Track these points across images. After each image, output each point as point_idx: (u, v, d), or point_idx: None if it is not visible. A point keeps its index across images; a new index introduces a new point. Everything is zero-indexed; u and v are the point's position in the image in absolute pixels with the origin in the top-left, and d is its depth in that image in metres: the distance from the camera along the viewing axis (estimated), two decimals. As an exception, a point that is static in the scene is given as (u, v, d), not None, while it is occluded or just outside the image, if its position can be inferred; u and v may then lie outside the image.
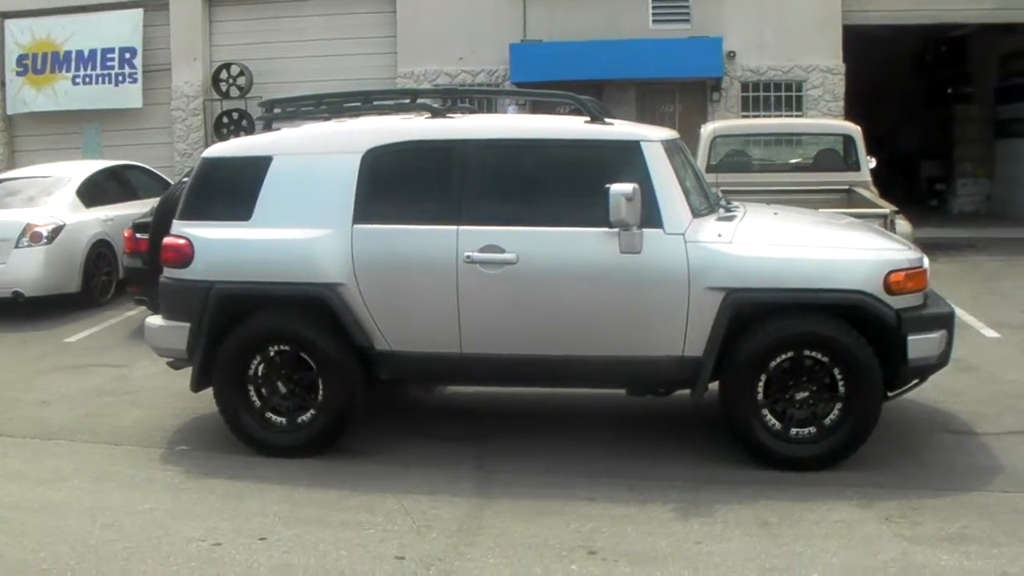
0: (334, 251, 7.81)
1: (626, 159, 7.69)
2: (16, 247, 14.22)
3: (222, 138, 23.54)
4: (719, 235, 7.58)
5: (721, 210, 8.24)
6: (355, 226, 7.82)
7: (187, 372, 8.37)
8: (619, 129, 8.04)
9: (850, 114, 20.85)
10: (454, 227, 7.69)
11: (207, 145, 23.87)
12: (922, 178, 27.64)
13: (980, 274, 16.45)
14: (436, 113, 8.29)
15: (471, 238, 7.65)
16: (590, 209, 7.50)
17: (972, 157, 26.27)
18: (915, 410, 8.85)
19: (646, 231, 7.45)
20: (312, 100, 8.89)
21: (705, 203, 8.13)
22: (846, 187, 13.83)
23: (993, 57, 25.84)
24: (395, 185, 7.93)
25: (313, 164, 8.06)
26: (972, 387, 9.63)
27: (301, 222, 7.92)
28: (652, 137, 7.89)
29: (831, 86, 22.37)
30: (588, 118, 8.03)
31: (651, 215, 7.48)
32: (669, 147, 8.00)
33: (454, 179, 7.80)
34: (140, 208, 15.15)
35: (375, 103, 8.93)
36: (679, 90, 23.00)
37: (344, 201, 7.88)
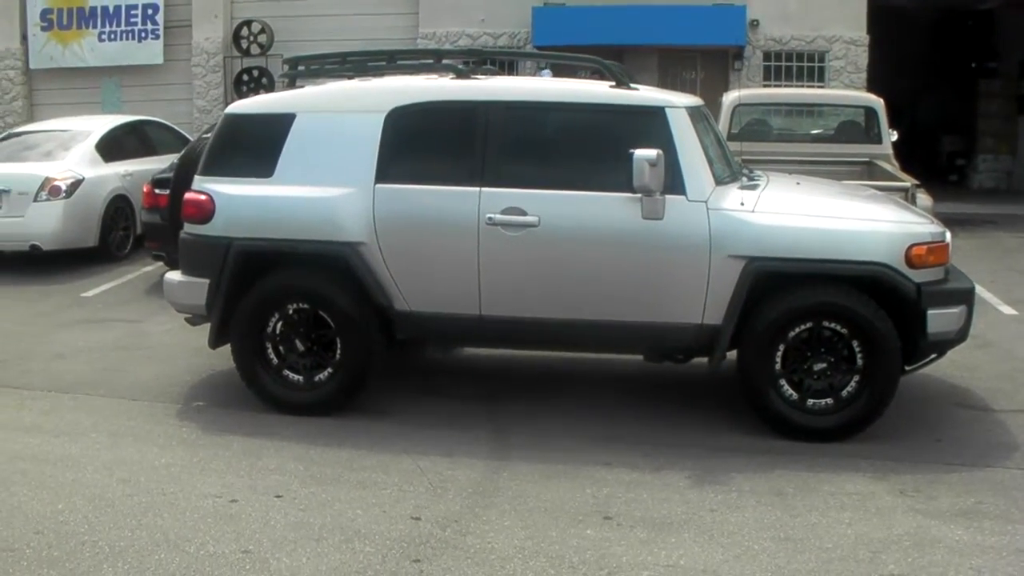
0: (355, 210, 7.80)
1: (650, 125, 7.65)
2: (35, 200, 14.20)
3: (241, 95, 23.52)
4: (741, 203, 7.55)
5: (744, 179, 8.20)
6: (377, 185, 7.81)
7: (204, 328, 8.39)
8: (644, 94, 7.99)
9: (872, 86, 20.72)
10: (476, 188, 7.68)
11: (227, 102, 23.93)
12: (943, 152, 27.46)
13: (999, 251, 16.37)
14: (461, 74, 8.26)
15: (493, 200, 7.63)
16: (613, 174, 7.48)
17: (994, 132, 26.08)
18: (931, 385, 8.83)
19: (668, 197, 7.43)
20: (337, 58, 8.86)
21: (728, 171, 8.10)
22: (867, 159, 13.75)
23: (1019, 32, 25.60)
24: (418, 145, 7.91)
25: (336, 122, 8.04)
26: (989, 363, 9.60)
27: (323, 180, 7.91)
28: (677, 103, 7.86)
29: (854, 57, 22.19)
30: (613, 83, 7.99)
31: (674, 182, 7.46)
32: (694, 114, 7.97)
33: (477, 140, 7.77)
34: (159, 164, 15.08)
35: (399, 63, 8.90)
36: (701, 58, 22.85)
37: (367, 160, 7.86)
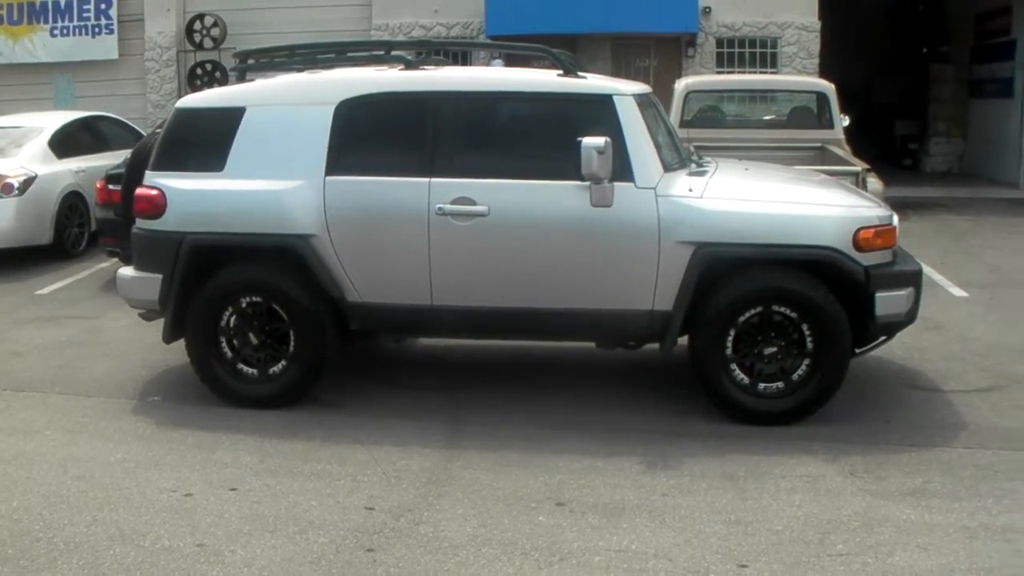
0: (306, 202, 7.81)
1: (598, 113, 7.70)
2: (-13, 198, 14.12)
3: (195, 89, 23.24)
4: (690, 190, 7.61)
5: (693, 165, 8.25)
6: (327, 177, 7.82)
7: (159, 324, 8.37)
8: (591, 83, 8.03)
9: (826, 71, 20.84)
10: (426, 179, 7.70)
11: (180, 97, 23.80)
12: (896, 136, 27.68)
13: (950, 233, 16.54)
14: (409, 65, 8.27)
15: (443, 190, 7.66)
16: (562, 162, 7.50)
17: (946, 116, 26.33)
18: (882, 367, 8.95)
19: (617, 185, 7.47)
20: (285, 51, 8.85)
21: (677, 158, 8.15)
22: (819, 145, 13.87)
23: (969, 16, 25.84)
24: (368, 137, 7.93)
25: (286, 115, 8.04)
26: (939, 345, 9.73)
27: (274, 173, 7.92)
28: (624, 91, 7.91)
29: (806, 43, 22.30)
30: (561, 71, 8.03)
31: (622, 169, 7.50)
32: (641, 101, 8.01)
33: (426, 131, 7.80)
34: (113, 160, 15.00)
35: (349, 55, 8.90)
36: (654, 45, 22.90)
37: (317, 152, 7.87)
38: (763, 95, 16.97)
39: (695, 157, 8.61)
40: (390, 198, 7.75)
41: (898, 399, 8.29)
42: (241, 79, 8.63)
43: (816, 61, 22.23)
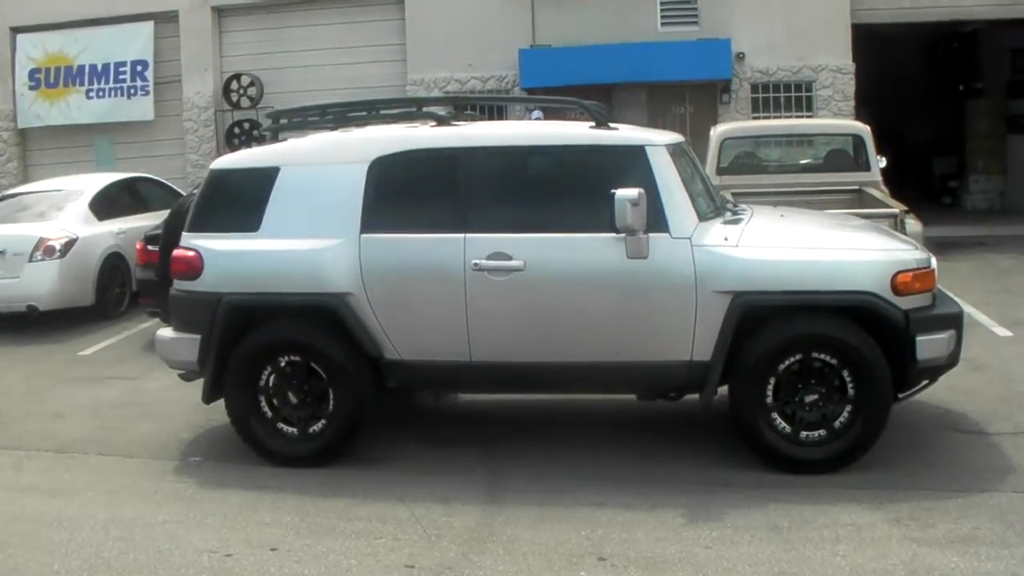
0: (342, 261, 7.84)
1: (631, 164, 7.70)
2: (30, 261, 14.28)
3: (233, 148, 23.58)
4: (725, 238, 7.58)
5: (727, 213, 8.23)
6: (363, 235, 7.85)
7: (199, 384, 8.40)
8: (623, 134, 8.04)
9: (860, 113, 20.79)
10: (461, 235, 7.71)
11: (219, 156, 24.02)
12: (934, 175, 27.50)
13: (993, 272, 16.38)
14: (441, 121, 8.31)
15: (478, 245, 7.67)
16: (596, 214, 7.50)
17: (984, 153, 26.10)
18: (926, 410, 8.83)
19: (652, 236, 7.46)
20: (318, 110, 8.91)
21: (711, 206, 8.14)
22: (856, 187, 13.79)
23: (1004, 52, 25.68)
24: (401, 194, 7.96)
25: (320, 174, 8.09)
26: (983, 386, 9.60)
27: (309, 232, 7.95)
28: (657, 141, 7.91)
29: (841, 86, 22.30)
30: (593, 123, 8.04)
31: (657, 219, 7.49)
32: (674, 151, 8.02)
33: (460, 186, 7.82)
34: (152, 220, 15.15)
35: (381, 112, 8.96)
36: (689, 92, 22.95)
37: (351, 211, 7.91)
38: (799, 139, 16.90)
39: (729, 205, 8.58)
40: (426, 255, 7.76)
41: (942, 443, 8.19)
42: (274, 139, 8.70)
43: (852, 103, 22.21)
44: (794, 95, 22.61)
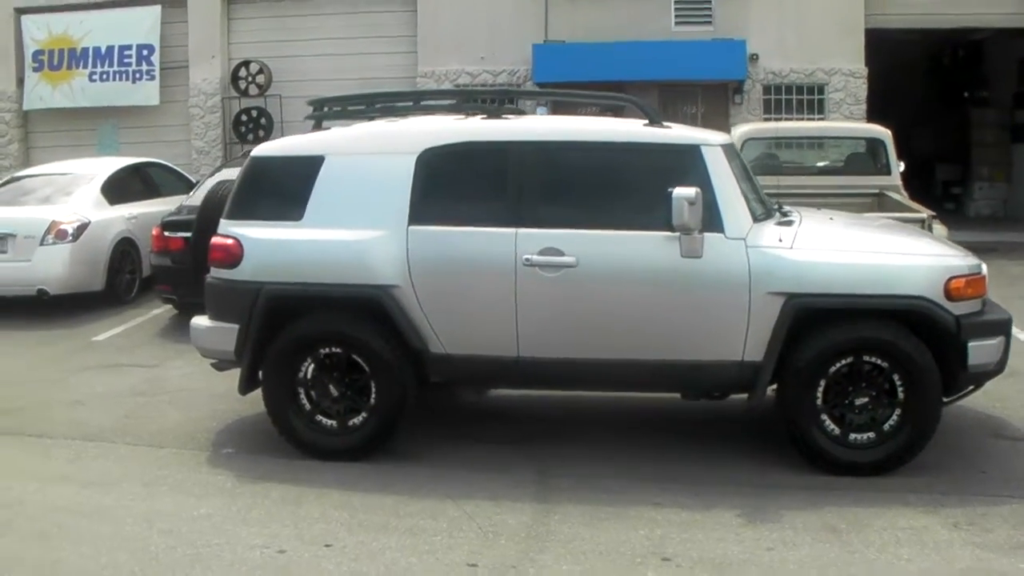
0: (389, 253, 7.74)
1: (686, 163, 7.63)
2: (41, 244, 14.11)
3: (240, 136, 23.50)
4: (779, 240, 7.52)
5: (778, 215, 8.17)
6: (410, 227, 7.75)
7: (225, 373, 8.33)
8: (679, 132, 7.98)
9: (869, 117, 20.78)
10: (512, 229, 7.62)
11: (225, 143, 23.94)
12: (937, 181, 27.56)
13: (1004, 278, 16.26)
14: (492, 114, 8.21)
15: (530, 241, 7.58)
16: (650, 212, 7.45)
17: (989, 161, 26.17)
18: (964, 416, 8.78)
19: (707, 235, 7.39)
20: (362, 99, 8.80)
21: (763, 208, 8.07)
22: (877, 191, 13.77)
23: (1011, 62, 25.73)
24: (451, 186, 7.86)
25: (367, 164, 7.99)
26: (1019, 392, 9.55)
27: (354, 223, 7.85)
28: (712, 141, 7.84)
29: (853, 89, 22.29)
30: (646, 121, 7.97)
31: (712, 219, 7.43)
32: (728, 151, 7.95)
33: (512, 181, 7.74)
34: (163, 206, 15.09)
35: (424, 103, 8.85)
36: (701, 92, 22.90)
37: (399, 202, 7.81)
38: (819, 142, 16.84)
39: (777, 206, 8.51)
40: (476, 249, 7.67)
41: (985, 448, 8.15)
42: (318, 127, 8.58)
43: (863, 107, 22.22)
44: (806, 98, 22.59)
